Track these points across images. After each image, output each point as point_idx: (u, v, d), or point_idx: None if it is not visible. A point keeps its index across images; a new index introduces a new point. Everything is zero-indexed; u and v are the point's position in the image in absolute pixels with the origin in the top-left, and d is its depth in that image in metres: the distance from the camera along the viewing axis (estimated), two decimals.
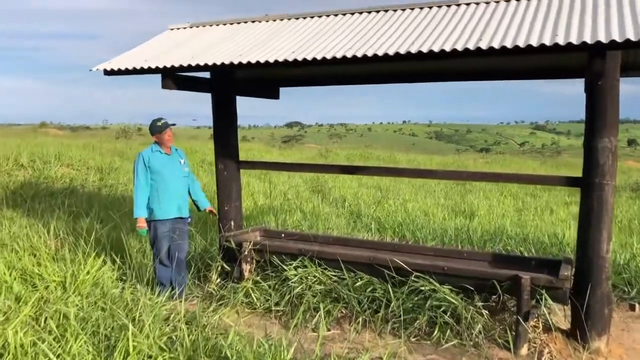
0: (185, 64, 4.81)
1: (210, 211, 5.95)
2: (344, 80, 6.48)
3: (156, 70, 5.00)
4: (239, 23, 5.81)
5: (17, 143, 13.78)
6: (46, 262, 5.95)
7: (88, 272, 5.57)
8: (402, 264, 4.85)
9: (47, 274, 5.57)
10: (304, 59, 4.39)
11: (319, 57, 4.35)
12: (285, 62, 4.46)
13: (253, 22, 5.74)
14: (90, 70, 5.18)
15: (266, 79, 6.56)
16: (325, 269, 5.30)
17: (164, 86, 5.09)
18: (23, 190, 10.07)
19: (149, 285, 5.83)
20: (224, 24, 5.87)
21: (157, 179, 5.53)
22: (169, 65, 4.88)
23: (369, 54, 4.20)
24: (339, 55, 4.29)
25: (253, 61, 4.55)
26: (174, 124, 5.62)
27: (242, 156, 6.39)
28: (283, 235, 6.22)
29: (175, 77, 5.17)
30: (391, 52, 4.14)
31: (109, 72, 5.25)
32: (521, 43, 3.79)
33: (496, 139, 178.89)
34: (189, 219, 5.86)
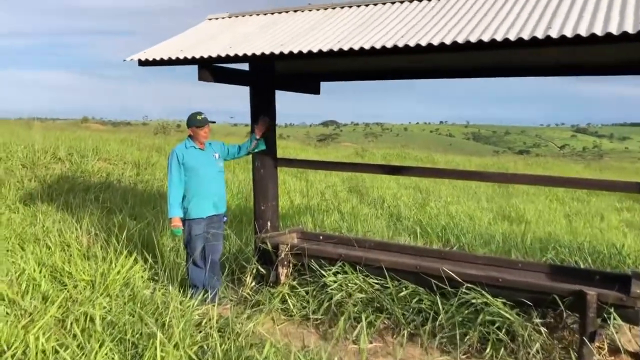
0: (223, 54, 4.51)
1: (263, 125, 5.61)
2: (388, 75, 6.10)
3: (192, 61, 4.72)
4: (279, 13, 5.49)
5: (56, 136, 13.80)
6: (77, 260, 5.76)
7: (118, 272, 5.34)
8: (452, 273, 4.46)
9: (77, 272, 5.36)
10: (351, 49, 4.04)
11: (367, 47, 3.99)
12: (331, 52, 4.12)
13: (295, 11, 5.42)
14: (124, 60, 4.94)
15: (308, 72, 6.22)
16: (367, 275, 4.95)
17: (200, 78, 4.81)
18: (59, 184, 9.98)
19: (182, 287, 5.58)
20: (264, 14, 5.56)
21: (191, 176, 5.27)
22: (205, 56, 4.59)
23: (423, 43, 3.82)
24: (389, 45, 3.92)
25: (295, 51, 4.22)
26: (213, 122, 5.36)
27: (279, 154, 6.08)
28: (321, 237, 5.89)
29: (213, 69, 4.88)
30: (448, 41, 3.75)
31: (143, 63, 5.00)
32: (599, 31, 3.36)
33: (535, 141, 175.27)
34: (225, 218, 5.58)
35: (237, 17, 5.70)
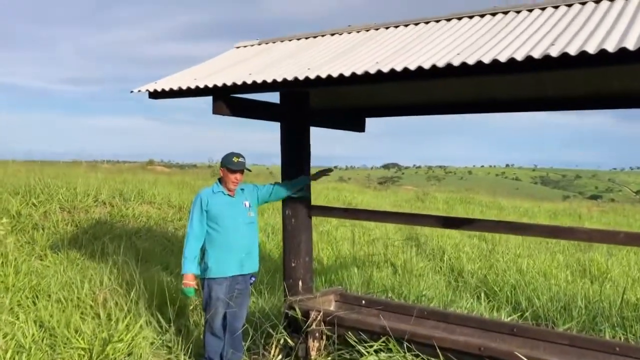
0: (239, 82, 3.73)
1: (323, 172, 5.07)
2: (440, 110, 5.20)
3: (206, 91, 3.97)
4: (315, 37, 4.71)
5: (102, 178, 13.47)
6: (80, 321, 5.03)
7: (121, 339, 4.54)
8: None
9: (74, 338, 4.60)
10: (392, 71, 3.16)
11: (412, 68, 3.10)
12: (367, 75, 3.26)
13: (332, 34, 4.61)
14: (132, 92, 4.24)
15: (347, 106, 5.39)
16: (417, 355, 3.93)
17: (215, 111, 4.04)
18: (95, 229, 9.46)
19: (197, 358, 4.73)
20: (298, 39, 4.79)
21: (214, 227, 4.47)
22: (220, 84, 3.82)
23: (486, 60, 2.90)
24: (440, 64, 3.02)
25: (323, 75, 3.38)
26: (249, 170, 4.59)
27: (334, 197, 5.26)
28: (364, 302, 4.90)
29: (230, 100, 4.10)
30: (519, 57, 2.81)
31: (153, 95, 4.29)
32: None
33: (608, 186, 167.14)
34: (253, 279, 4.72)
35: (267, 43, 4.96)
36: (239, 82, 3.72)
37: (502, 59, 2.84)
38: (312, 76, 3.42)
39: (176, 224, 11.15)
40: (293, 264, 4.83)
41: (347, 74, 3.30)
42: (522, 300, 6.76)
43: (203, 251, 4.54)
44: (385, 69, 3.17)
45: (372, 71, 3.22)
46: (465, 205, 24.56)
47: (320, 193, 21.27)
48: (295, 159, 4.81)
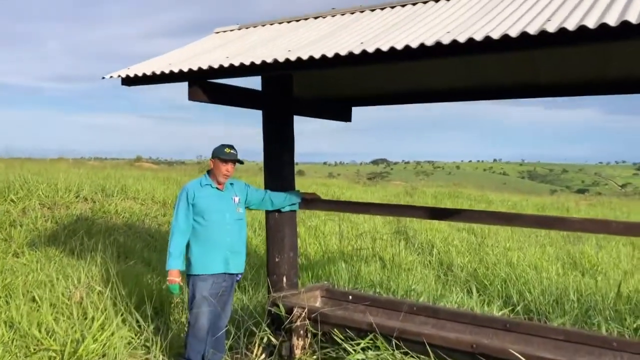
0: (216, 66, 3.50)
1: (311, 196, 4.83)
2: (430, 97, 5.03)
3: (181, 76, 3.73)
4: (297, 21, 4.49)
5: (84, 174, 13.13)
6: (57, 319, 4.80)
7: (95, 340, 4.32)
8: (522, 358, 3.20)
9: (45, 339, 4.36)
10: (378, 51, 2.95)
11: (399, 47, 2.90)
12: (351, 56, 3.05)
13: (316, 18, 4.40)
14: (103, 77, 4.00)
15: (333, 94, 5.18)
16: (407, 353, 3.74)
17: (191, 97, 3.80)
18: (76, 225, 9.18)
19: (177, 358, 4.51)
20: (279, 23, 4.57)
21: (200, 221, 4.23)
22: (195, 68, 3.58)
23: (478, 37, 2.70)
24: (429, 42, 2.81)
25: (304, 57, 3.17)
26: (241, 162, 4.33)
27: (323, 193, 5.01)
28: (351, 297, 4.70)
29: (207, 85, 3.86)
30: (513, 33, 2.62)
31: (127, 81, 4.05)
32: None
33: (594, 180, 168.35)
34: (239, 277, 4.49)
35: (248, 28, 4.73)
36: (216, 66, 3.49)
37: (495, 35, 2.64)
38: (293, 58, 3.20)
39: (160, 220, 10.90)
40: (277, 259, 4.62)
41: (329, 54, 3.09)
42: (513, 294, 6.61)
43: (187, 247, 4.32)
44: (371, 49, 2.96)
45: (357, 52, 3.01)
46: (453, 200, 24.43)
47: (309, 188, 20.97)
48: (278, 150, 4.59)
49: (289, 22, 4.51)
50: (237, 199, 4.39)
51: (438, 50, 2.81)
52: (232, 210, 4.33)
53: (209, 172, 4.38)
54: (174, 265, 4.21)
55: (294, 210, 4.73)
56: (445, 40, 2.77)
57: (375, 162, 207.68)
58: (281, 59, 3.25)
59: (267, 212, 4.68)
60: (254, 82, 4.63)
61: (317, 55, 3.12)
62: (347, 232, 11.01)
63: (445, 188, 30.62)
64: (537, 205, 24.40)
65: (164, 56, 4.30)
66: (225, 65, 3.44)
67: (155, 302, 5.65)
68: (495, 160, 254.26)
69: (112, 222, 9.93)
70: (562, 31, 2.50)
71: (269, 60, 3.28)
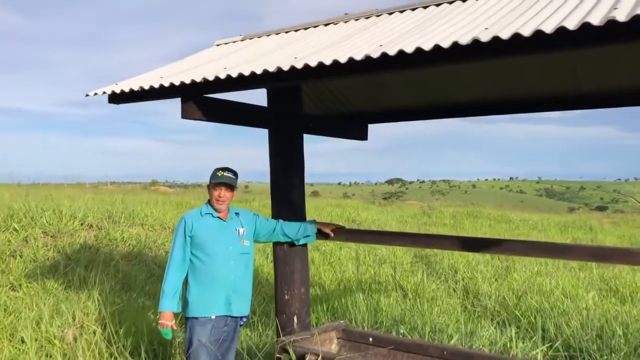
0: (211, 77, 3.01)
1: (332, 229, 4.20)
2: (453, 112, 4.51)
3: (173, 91, 3.25)
4: (306, 28, 4.01)
5: (90, 199, 12.70)
6: None
7: None
8: None
9: None
10: (401, 53, 2.44)
11: (426, 47, 2.38)
12: (368, 60, 2.54)
13: (327, 25, 3.92)
14: (87, 95, 3.54)
15: (347, 110, 4.69)
16: None
17: (184, 114, 3.31)
18: (79, 255, 8.72)
19: None
20: (286, 32, 4.09)
21: (199, 255, 3.73)
22: (188, 82, 3.10)
23: (526, 32, 2.18)
24: (464, 41, 2.30)
25: (313, 64, 2.67)
26: (233, 186, 3.78)
27: (338, 215, 4.60)
28: (371, 339, 4.13)
29: (202, 100, 3.38)
30: (548, 29, 2.10)
31: (113, 97, 3.58)
32: None
33: (613, 197, 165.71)
34: (244, 320, 3.96)
35: (252, 38, 4.26)
36: (211, 78, 3.00)
37: (548, 29, 2.13)
38: (300, 65, 2.70)
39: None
40: (286, 297, 4.08)
41: (343, 60, 2.58)
42: (549, 327, 5.98)
43: (185, 285, 3.82)
44: (392, 51, 2.46)
45: (375, 55, 2.51)
46: (473, 220, 23.76)
47: (323, 210, 20.51)
48: (286, 172, 4.09)
49: (296, 30, 4.04)
50: (242, 230, 3.87)
51: (476, 50, 2.30)
52: (236, 243, 3.81)
53: (209, 201, 3.89)
54: (167, 307, 3.69)
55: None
56: (484, 38, 2.25)
57: (390, 182, 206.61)
58: (286, 67, 2.75)
59: (274, 244, 4.15)
60: (260, 98, 4.15)
61: (327, 62, 2.62)
62: (364, 257, 10.44)
63: (463, 207, 29.92)
64: (559, 224, 23.65)
65: (157, 70, 3.84)
66: (222, 76, 2.96)
67: (154, 343, 5.15)
68: (511, 178, 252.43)
69: (117, 250, 9.46)
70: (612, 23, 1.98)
71: (272, 69, 2.79)
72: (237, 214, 3.91)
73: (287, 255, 4.08)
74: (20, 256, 8.35)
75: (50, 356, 4.79)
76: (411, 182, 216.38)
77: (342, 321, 4.39)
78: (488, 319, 6.38)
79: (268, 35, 4.16)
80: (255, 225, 3.95)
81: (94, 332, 5.21)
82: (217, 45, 4.43)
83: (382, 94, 4.45)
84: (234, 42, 4.35)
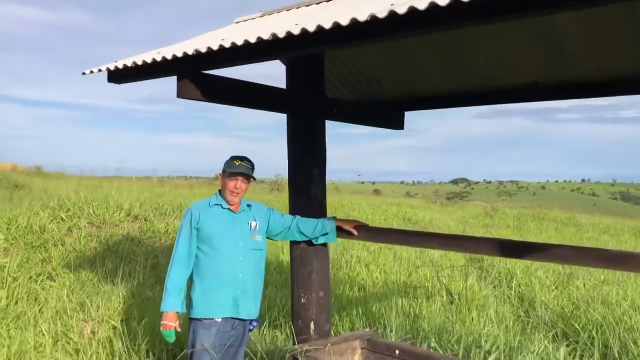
0: (203, 50, 2.63)
1: (355, 226, 3.70)
2: (501, 96, 3.96)
3: (168, 67, 2.90)
4: (328, 0, 3.56)
5: (138, 188, 12.70)
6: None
7: None
8: None
9: None
10: (412, 9, 1.96)
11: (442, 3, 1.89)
12: (393, 16, 2.06)
13: None
14: (84, 73, 3.24)
15: (378, 97, 4.22)
16: None
17: (180, 93, 2.93)
18: (120, 246, 8.63)
19: None
20: (307, 5, 3.65)
21: (205, 250, 3.37)
22: (180, 55, 2.73)
23: None
24: None
25: (327, 25, 2.22)
26: (252, 177, 3.44)
27: (393, 214, 4.55)
28: (397, 352, 3.65)
29: (200, 77, 3.00)
30: None
31: (113, 77, 3.27)
32: None
33: None
34: (255, 324, 3.56)
35: (271, 14, 3.87)
36: (204, 50, 2.62)
37: None
38: (328, 25, 2.24)
39: None
40: (302, 300, 3.67)
41: (382, 15, 2.08)
42: (612, 345, 5.30)
43: (190, 282, 3.48)
44: (422, 5, 1.96)
45: (422, 6, 2.00)
46: (538, 222, 22.65)
47: (379, 207, 19.98)
48: (306, 162, 3.67)
49: (318, 3, 3.60)
50: (254, 224, 3.49)
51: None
52: (246, 238, 3.43)
53: (220, 191, 3.52)
54: (170, 306, 3.35)
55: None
56: None
57: (455, 182, 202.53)
58: (296, 31, 2.33)
59: (291, 241, 3.75)
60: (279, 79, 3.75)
61: (362, 17, 2.13)
62: (414, 257, 9.90)
63: (528, 209, 28.61)
64: (633, 229, 22.13)
65: (166, 48, 3.50)
66: (215, 47, 2.57)
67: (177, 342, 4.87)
68: (583, 180, 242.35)
69: (160, 242, 9.34)
70: None
71: (282, 34, 2.37)
72: (249, 206, 3.54)
73: (304, 254, 3.66)
74: (62, 245, 8.34)
75: (65, 350, 4.58)
76: (477, 183, 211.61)
77: (367, 329, 3.93)
78: (542, 331, 5.74)
79: (288, 10, 3.75)
80: (269, 220, 3.57)
81: (113, 328, 4.99)
82: (237, 22, 4.06)
83: (419, 76, 3.96)
84: (252, 18, 3.97)
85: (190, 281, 3.46)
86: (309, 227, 3.59)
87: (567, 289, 7.96)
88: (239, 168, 3.37)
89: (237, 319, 3.40)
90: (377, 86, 4.19)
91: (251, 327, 3.53)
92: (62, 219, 9.47)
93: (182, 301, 3.39)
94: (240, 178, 3.39)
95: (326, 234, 3.61)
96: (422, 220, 18.21)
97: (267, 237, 3.61)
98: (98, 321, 5.18)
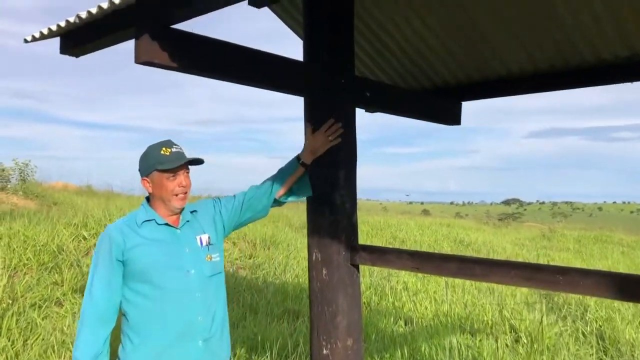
0: None
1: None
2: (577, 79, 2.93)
3: (123, 20, 2.00)
4: None
5: None
6: None
7: None
8: None
9: None
10: None
11: None
12: None
13: None
14: (26, 41, 2.41)
15: (429, 80, 3.24)
16: None
17: (139, 56, 2.00)
18: None
19: None
20: None
21: (141, 291, 2.24)
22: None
23: None
24: None
25: None
26: (199, 160, 2.38)
27: (443, 235, 3.77)
28: None
29: (167, 34, 2.07)
30: None
31: (66, 46, 2.41)
32: None
33: None
34: None
35: None
36: None
37: None
38: None
39: (240, 263, 9.37)
40: (325, 351, 2.67)
41: None
42: None
43: (108, 340, 2.26)
44: None
45: None
46: (601, 245, 20.94)
47: (428, 228, 18.73)
48: (329, 159, 2.70)
49: None
50: (205, 238, 2.37)
51: None
52: (200, 262, 2.32)
53: (147, 199, 2.40)
54: None
55: (353, 257, 2.74)
56: None
57: (506, 203, 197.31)
58: None
59: (310, 268, 2.76)
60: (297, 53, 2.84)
61: None
62: (464, 282, 8.74)
63: (589, 232, 26.69)
64: None
65: None
66: None
67: None
68: None
69: None
70: None
71: None
72: (191, 212, 2.41)
73: (326, 289, 2.67)
74: (78, 266, 7.63)
75: None
76: (529, 203, 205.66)
77: None
78: None
79: None
80: (221, 215, 2.48)
81: None
82: None
83: (482, 52, 2.97)
84: None
85: (118, 343, 2.31)
86: (265, 183, 2.55)
87: None
88: (176, 157, 2.27)
89: None
90: (426, 68, 3.21)
91: None
92: (84, 237, 8.80)
93: (92, 355, 2.17)
94: (181, 171, 2.31)
95: (291, 174, 2.58)
96: (475, 242, 16.93)
97: (234, 229, 2.55)
98: None
